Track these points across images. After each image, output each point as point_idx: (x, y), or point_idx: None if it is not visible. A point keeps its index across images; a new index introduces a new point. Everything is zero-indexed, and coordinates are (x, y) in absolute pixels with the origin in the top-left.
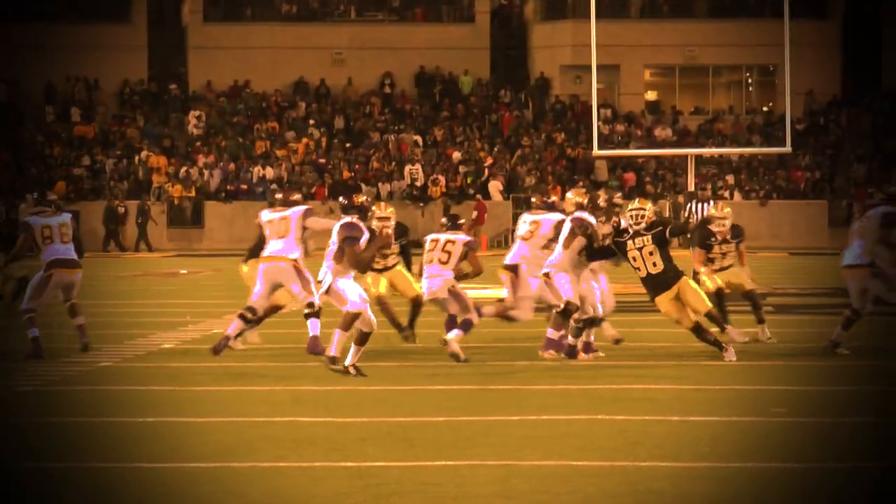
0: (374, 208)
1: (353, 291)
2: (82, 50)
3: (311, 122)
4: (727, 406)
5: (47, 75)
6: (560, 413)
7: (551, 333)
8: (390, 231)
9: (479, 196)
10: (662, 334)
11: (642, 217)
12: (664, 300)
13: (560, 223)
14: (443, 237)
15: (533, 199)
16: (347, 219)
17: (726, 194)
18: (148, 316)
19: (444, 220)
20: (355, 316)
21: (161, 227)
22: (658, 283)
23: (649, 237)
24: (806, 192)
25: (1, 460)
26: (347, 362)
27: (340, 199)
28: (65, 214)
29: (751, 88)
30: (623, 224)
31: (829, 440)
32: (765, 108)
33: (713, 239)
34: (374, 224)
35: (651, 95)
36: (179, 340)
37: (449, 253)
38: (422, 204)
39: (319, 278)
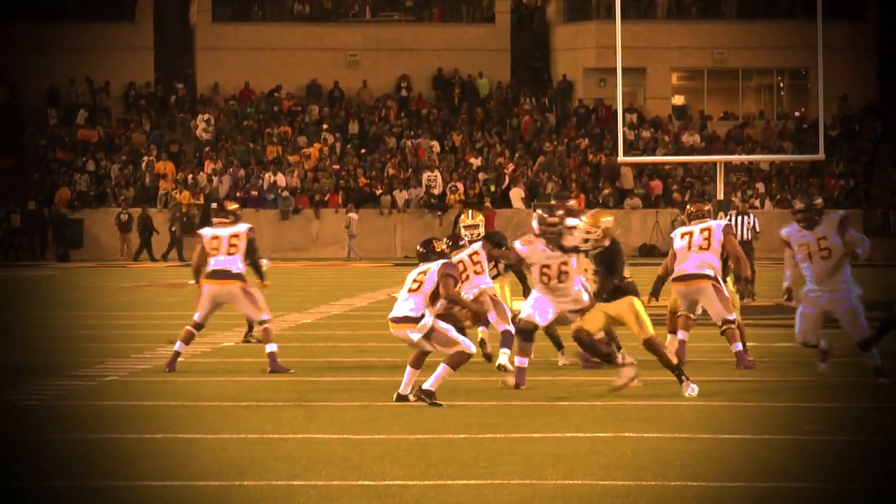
0: (461, 216)
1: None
2: (86, 51)
3: (325, 126)
4: (759, 423)
5: (50, 77)
6: (585, 430)
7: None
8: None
9: (488, 203)
10: (692, 349)
11: (586, 240)
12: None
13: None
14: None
15: (690, 208)
16: (445, 260)
17: (756, 203)
18: (154, 328)
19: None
20: (469, 356)
21: (167, 236)
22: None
23: (591, 262)
24: (840, 200)
25: (4, 478)
26: (403, 391)
27: (419, 248)
28: (240, 225)
29: (782, 93)
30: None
31: (867, 459)
32: (797, 114)
33: None
34: (462, 232)
35: (678, 100)
36: (188, 354)
37: (480, 263)
38: (440, 213)
39: (421, 320)
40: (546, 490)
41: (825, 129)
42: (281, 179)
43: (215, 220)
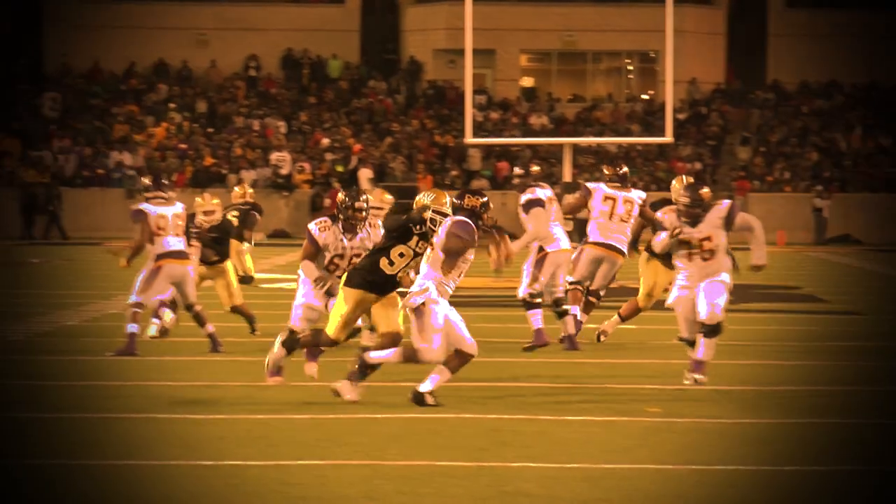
0: (198, 199)
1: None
2: None
3: (172, 105)
4: (600, 405)
5: None
6: (427, 411)
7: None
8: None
9: (335, 184)
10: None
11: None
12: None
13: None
14: None
15: (606, 171)
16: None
17: None
18: None
19: None
20: (417, 353)
21: (12, 214)
22: None
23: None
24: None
25: None
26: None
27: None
28: (178, 204)
29: (631, 76)
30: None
31: (715, 440)
32: (645, 97)
33: None
34: (200, 218)
35: (527, 82)
36: (29, 333)
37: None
38: (286, 193)
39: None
40: (386, 470)
41: (673, 111)
42: (127, 158)
43: (150, 195)
